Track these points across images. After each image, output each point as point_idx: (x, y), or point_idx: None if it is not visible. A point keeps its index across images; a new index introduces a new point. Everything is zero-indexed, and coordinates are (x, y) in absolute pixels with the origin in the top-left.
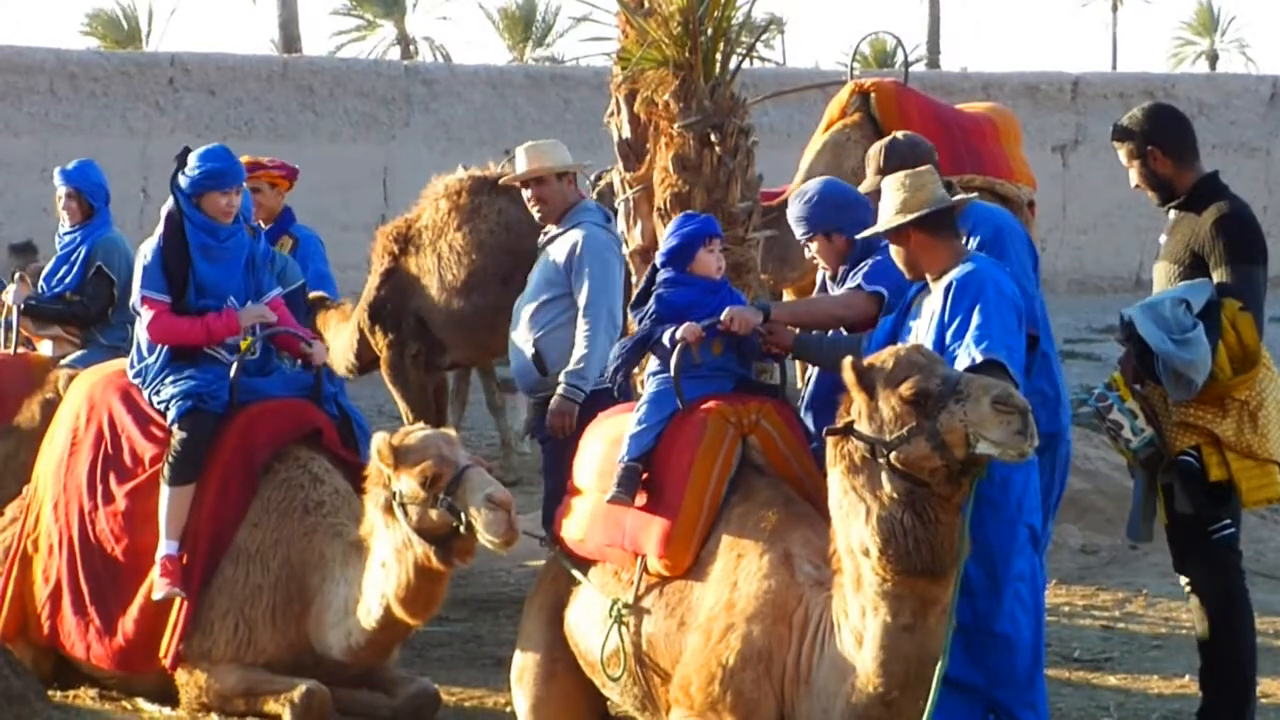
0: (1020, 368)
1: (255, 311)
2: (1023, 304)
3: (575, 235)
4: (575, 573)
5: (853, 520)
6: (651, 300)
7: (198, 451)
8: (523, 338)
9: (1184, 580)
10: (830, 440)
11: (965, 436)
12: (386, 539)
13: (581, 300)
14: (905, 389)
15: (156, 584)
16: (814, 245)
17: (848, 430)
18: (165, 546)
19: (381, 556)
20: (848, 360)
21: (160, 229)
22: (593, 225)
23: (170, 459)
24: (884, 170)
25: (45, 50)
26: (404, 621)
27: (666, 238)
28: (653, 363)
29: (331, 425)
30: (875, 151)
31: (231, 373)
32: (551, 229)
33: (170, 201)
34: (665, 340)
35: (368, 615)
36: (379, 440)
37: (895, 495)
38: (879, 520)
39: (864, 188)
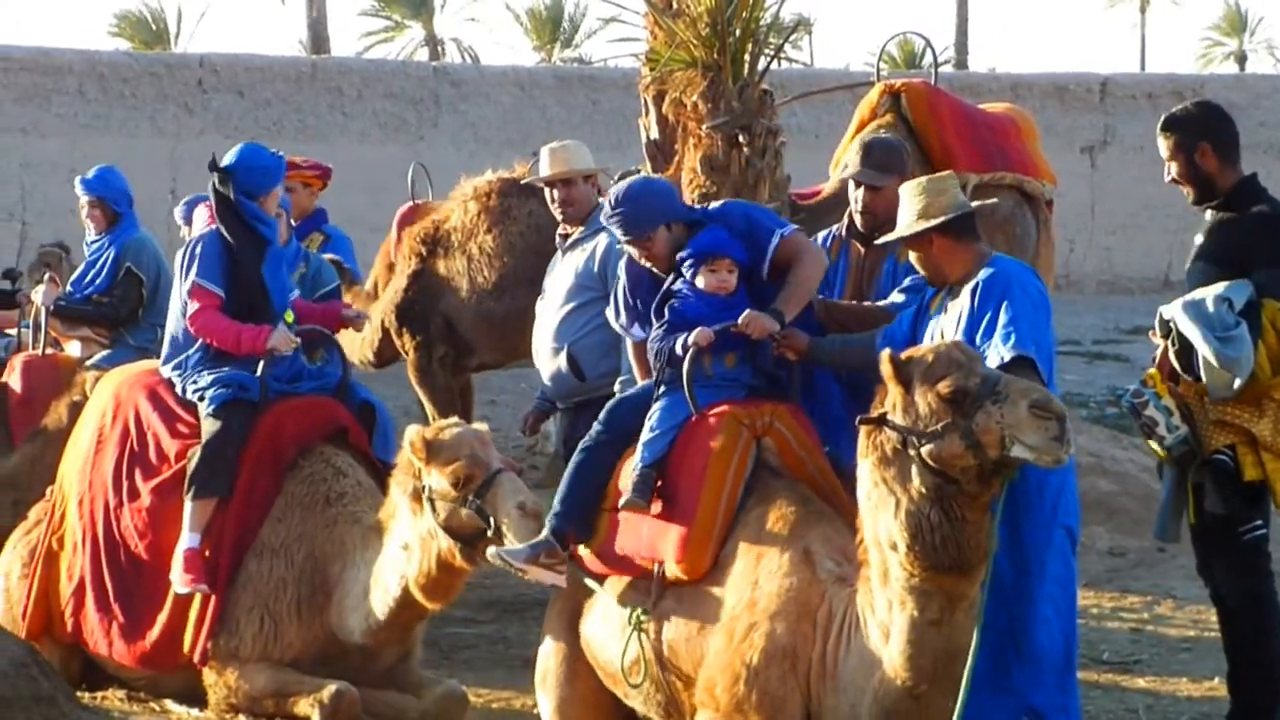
0: (1050, 364)
1: (284, 335)
2: (1049, 303)
3: (604, 238)
4: (591, 583)
5: (881, 513)
6: (666, 310)
7: (227, 451)
8: (554, 344)
9: (1209, 586)
10: (863, 430)
11: (1000, 438)
12: (411, 524)
13: None
14: (943, 387)
15: (180, 578)
16: (649, 243)
17: (881, 420)
18: (188, 540)
19: (403, 539)
20: (886, 352)
21: (214, 224)
22: None
23: (199, 460)
24: (866, 164)
25: (73, 51)
26: (422, 605)
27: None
28: (665, 370)
29: (357, 424)
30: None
31: (259, 370)
32: (572, 231)
33: (212, 201)
34: (677, 348)
35: (386, 595)
36: (412, 433)
37: (924, 490)
38: (907, 515)
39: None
